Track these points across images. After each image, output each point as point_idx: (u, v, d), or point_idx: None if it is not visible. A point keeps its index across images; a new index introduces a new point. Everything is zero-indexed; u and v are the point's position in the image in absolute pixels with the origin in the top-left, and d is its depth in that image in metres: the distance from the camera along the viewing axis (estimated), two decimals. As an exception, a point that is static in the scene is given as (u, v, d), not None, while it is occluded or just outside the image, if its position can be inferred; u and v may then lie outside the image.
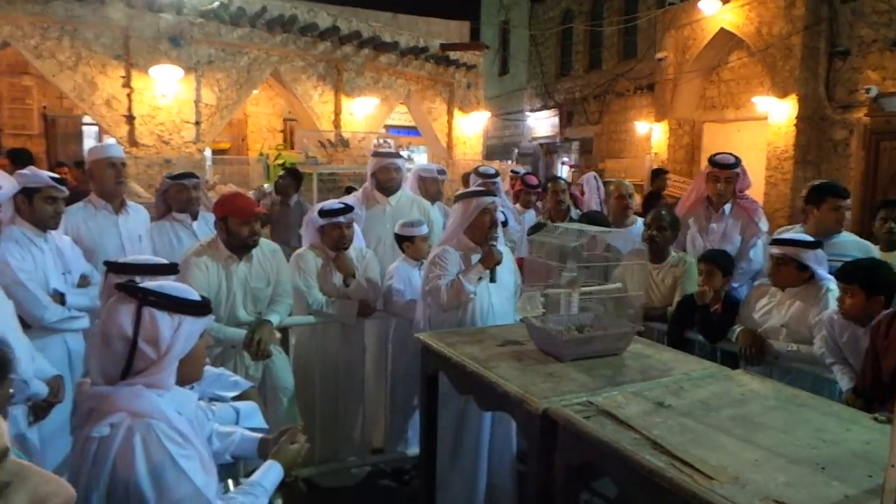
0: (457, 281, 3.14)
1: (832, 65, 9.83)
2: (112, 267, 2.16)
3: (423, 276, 3.34)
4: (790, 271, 3.07)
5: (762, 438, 1.84)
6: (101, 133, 12.34)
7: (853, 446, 1.82)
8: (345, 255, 3.63)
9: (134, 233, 3.74)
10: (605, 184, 5.22)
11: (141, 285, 1.60)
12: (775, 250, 3.12)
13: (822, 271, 3.07)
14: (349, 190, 6.12)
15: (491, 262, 3.19)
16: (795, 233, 3.42)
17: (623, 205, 4.81)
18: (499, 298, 3.29)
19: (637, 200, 13.04)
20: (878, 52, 9.17)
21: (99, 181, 3.59)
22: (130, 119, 8.65)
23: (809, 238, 3.15)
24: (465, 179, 6.20)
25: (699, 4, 11.38)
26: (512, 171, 6.39)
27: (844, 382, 2.73)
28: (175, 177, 4.03)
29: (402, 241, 3.92)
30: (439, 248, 3.31)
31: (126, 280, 1.68)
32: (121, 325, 1.55)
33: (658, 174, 8.83)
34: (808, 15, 9.68)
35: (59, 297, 3.04)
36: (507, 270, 3.38)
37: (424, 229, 3.95)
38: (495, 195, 3.58)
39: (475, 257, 3.25)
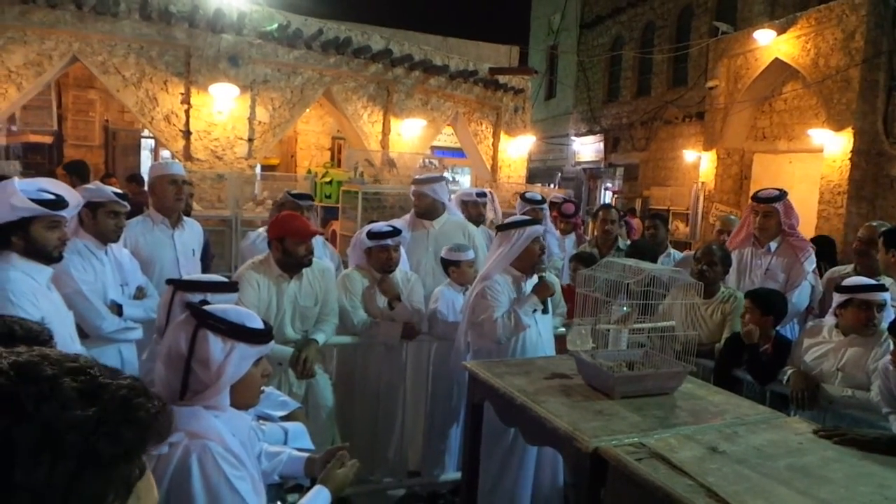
0: (514, 314, 3.14)
1: (891, 99, 9.56)
2: (177, 285, 2.23)
3: (471, 306, 3.33)
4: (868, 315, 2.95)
5: (822, 492, 1.78)
6: (158, 146, 12.79)
7: (919, 505, 1.74)
8: (390, 279, 3.66)
9: (188, 247, 3.84)
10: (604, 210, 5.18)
11: (205, 308, 1.64)
12: (868, 296, 2.97)
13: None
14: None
15: (546, 293, 3.19)
16: (853, 276, 3.32)
17: (604, 229, 4.97)
18: (545, 328, 3.27)
19: (682, 229, 12.82)
20: (941, 86, 8.89)
21: (160, 197, 3.70)
22: (187, 134, 8.94)
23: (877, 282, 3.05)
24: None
25: (754, 34, 11.23)
26: (552, 198, 6.36)
27: (901, 432, 2.62)
28: (295, 196, 4.26)
29: (448, 265, 3.92)
30: (487, 279, 3.29)
31: (199, 301, 1.73)
32: (179, 343, 1.60)
33: None
34: (868, 47, 9.45)
35: (117, 309, 3.13)
36: (552, 300, 3.37)
37: (471, 254, 3.95)
38: (541, 222, 3.58)
39: (524, 285, 3.24)
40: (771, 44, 11.03)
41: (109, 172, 10.50)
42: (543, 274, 3.23)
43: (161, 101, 8.79)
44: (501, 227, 3.39)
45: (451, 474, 3.83)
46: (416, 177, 4.73)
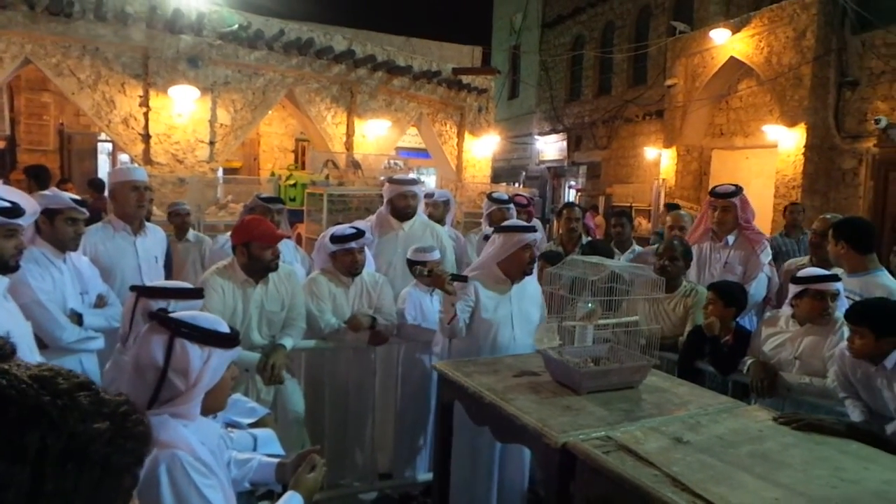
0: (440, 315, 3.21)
1: (841, 95, 9.89)
2: (140, 291, 2.19)
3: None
4: (822, 305, 3.05)
5: (781, 476, 1.84)
6: (116, 150, 12.49)
7: (872, 486, 1.82)
8: (357, 317, 3.60)
9: (151, 254, 3.77)
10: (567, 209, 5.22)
11: (173, 316, 1.62)
12: (822, 287, 3.06)
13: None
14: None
15: (439, 282, 3.16)
16: (809, 267, 3.43)
17: (569, 227, 5.01)
18: (521, 332, 3.26)
19: (645, 225, 13.02)
20: (887, 83, 9.22)
21: (121, 203, 3.63)
22: (146, 138, 8.76)
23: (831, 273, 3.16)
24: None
25: (710, 33, 11.50)
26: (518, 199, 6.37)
27: (856, 416, 2.72)
28: (265, 199, 4.23)
29: (414, 266, 3.92)
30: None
31: (159, 309, 1.71)
32: (153, 354, 1.58)
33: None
34: (818, 46, 9.76)
35: (77, 318, 3.06)
36: (534, 304, 3.38)
37: (437, 255, 3.96)
38: (537, 230, 3.58)
39: (503, 288, 3.26)
40: (726, 43, 11.30)
41: (66, 177, 10.22)
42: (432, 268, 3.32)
43: (119, 104, 8.60)
44: (499, 229, 3.39)
45: (424, 475, 3.84)
46: (401, 177, 4.74)
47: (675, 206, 8.96)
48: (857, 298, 3.07)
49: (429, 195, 5.10)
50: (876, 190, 9.41)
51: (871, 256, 3.45)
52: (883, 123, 9.02)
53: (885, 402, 2.66)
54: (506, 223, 3.60)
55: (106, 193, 4.15)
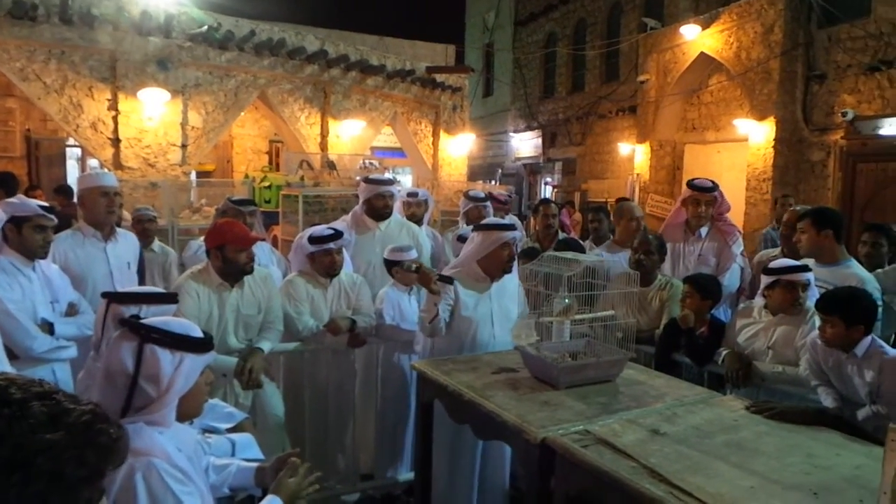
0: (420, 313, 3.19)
1: (809, 88, 10.07)
2: (111, 297, 2.15)
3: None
4: (793, 295, 3.11)
5: (756, 465, 1.87)
6: (85, 156, 12.27)
7: (843, 471, 1.85)
8: (336, 321, 3.58)
9: (123, 260, 3.71)
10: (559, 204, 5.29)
11: (144, 321, 1.60)
12: (793, 277, 3.11)
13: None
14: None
15: (426, 280, 3.16)
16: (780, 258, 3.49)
17: (546, 223, 5.08)
18: (501, 329, 3.26)
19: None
20: (853, 76, 9.41)
21: (91, 210, 3.56)
22: (116, 142, 8.62)
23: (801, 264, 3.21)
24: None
25: (680, 29, 11.64)
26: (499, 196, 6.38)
27: (828, 403, 2.78)
28: (236, 202, 4.14)
29: (391, 266, 3.92)
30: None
31: (130, 315, 1.68)
32: (122, 361, 1.55)
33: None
34: (786, 40, 9.93)
35: (48, 327, 3.01)
36: (512, 301, 3.39)
37: (414, 254, 3.96)
38: (516, 228, 3.59)
39: (482, 287, 3.27)
40: (696, 38, 11.45)
41: (34, 184, 10.00)
42: (420, 266, 3.33)
43: (86, 108, 8.44)
44: (478, 227, 3.39)
45: (406, 475, 3.84)
46: (377, 177, 4.71)
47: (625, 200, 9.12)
48: (830, 288, 3.13)
49: (412, 194, 5.09)
50: (844, 181, 9.61)
51: (843, 247, 3.53)
52: (850, 116, 9.21)
53: (856, 388, 2.72)
54: (485, 221, 3.61)
55: (75, 199, 4.05)
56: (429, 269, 3.29)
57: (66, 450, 0.75)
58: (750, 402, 2.49)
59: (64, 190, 7.97)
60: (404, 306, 3.84)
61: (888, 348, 2.71)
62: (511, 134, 19.69)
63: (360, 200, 4.48)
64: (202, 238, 4.21)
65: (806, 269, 3.14)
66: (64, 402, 0.80)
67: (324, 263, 3.62)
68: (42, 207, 3.09)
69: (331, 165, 10.36)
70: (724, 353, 3.25)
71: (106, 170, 8.25)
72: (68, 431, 0.76)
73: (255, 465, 2.06)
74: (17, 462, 0.72)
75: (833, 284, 3.26)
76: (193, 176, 10.36)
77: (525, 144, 19.22)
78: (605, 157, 15.52)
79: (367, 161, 11.46)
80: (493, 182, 18.34)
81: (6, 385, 0.77)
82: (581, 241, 5.01)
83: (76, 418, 0.78)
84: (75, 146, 12.06)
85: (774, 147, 10.09)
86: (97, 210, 3.55)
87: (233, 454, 2.17)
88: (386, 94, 12.00)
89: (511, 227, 3.37)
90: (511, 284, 3.38)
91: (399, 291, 3.90)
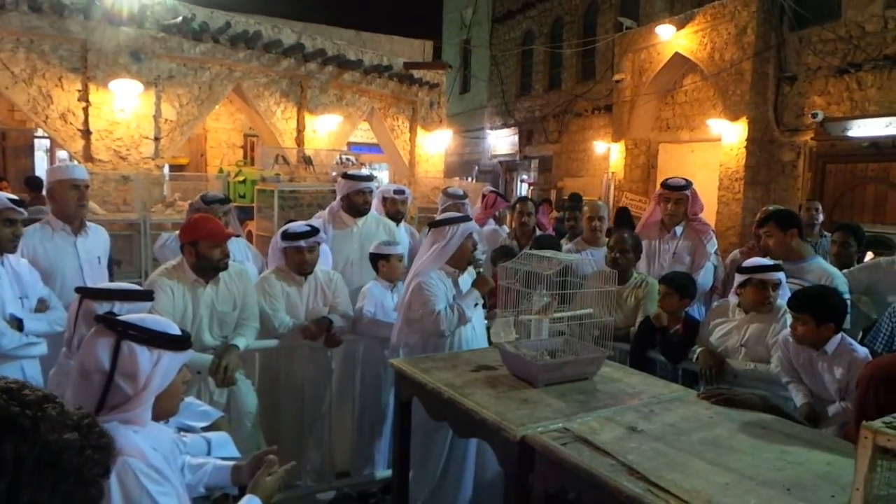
0: (458, 307, 3.16)
1: (780, 90, 10.25)
2: (85, 293, 2.11)
3: (406, 302, 3.32)
4: (765, 294, 3.16)
5: (731, 461, 1.90)
6: (54, 147, 12.00)
7: (816, 467, 1.89)
8: (311, 328, 3.53)
9: (93, 254, 3.64)
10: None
11: (121, 318, 1.57)
12: (765, 276, 3.15)
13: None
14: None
15: (485, 286, 3.23)
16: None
17: (521, 221, 5.07)
18: (478, 323, 3.32)
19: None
20: (823, 78, 9.60)
21: (60, 203, 3.48)
22: (86, 134, 8.44)
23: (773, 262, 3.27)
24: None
25: (655, 29, 11.75)
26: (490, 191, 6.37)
27: (799, 399, 2.85)
28: (208, 201, 4.04)
29: (378, 260, 3.91)
30: (420, 275, 3.28)
31: (106, 312, 1.65)
32: (98, 358, 1.52)
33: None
34: (758, 42, 10.09)
35: (17, 323, 2.94)
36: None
37: (400, 248, 3.96)
38: (471, 218, 3.62)
39: (461, 281, 3.28)
40: (671, 38, 11.57)
41: (1, 176, 9.76)
42: (481, 269, 3.30)
43: (56, 99, 8.25)
44: (434, 224, 3.39)
45: (382, 472, 3.83)
46: (356, 172, 4.68)
47: (578, 198, 9.20)
48: (804, 285, 3.19)
49: (399, 191, 5.07)
50: (814, 181, 9.81)
51: (808, 244, 3.63)
52: (819, 117, 9.40)
53: (826, 385, 2.79)
54: (441, 217, 3.60)
55: (44, 192, 3.95)
56: (484, 275, 3.35)
57: (83, 449, 0.76)
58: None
59: (32, 182, 7.80)
60: (387, 302, 3.82)
61: (858, 346, 2.78)
62: (488, 131, 19.71)
63: (338, 196, 4.45)
64: (173, 233, 4.15)
65: (778, 268, 3.20)
66: (63, 404, 0.81)
67: (294, 261, 3.59)
68: (11, 200, 3.01)
69: (307, 160, 10.27)
70: (699, 350, 3.30)
71: (76, 162, 8.10)
72: (79, 432, 0.78)
73: (231, 463, 2.04)
74: (47, 462, 0.74)
75: (804, 280, 3.33)
76: (167, 170, 10.20)
77: (502, 142, 19.26)
78: (580, 155, 15.63)
79: (343, 156, 11.38)
80: (469, 179, 18.36)
81: (19, 387, 0.79)
82: (557, 239, 5.05)
83: (79, 420, 0.80)
84: (44, 137, 11.79)
85: (746, 147, 10.26)
86: (67, 203, 3.48)
87: (209, 453, 2.15)
88: (363, 89, 11.93)
89: (469, 218, 3.45)
90: (468, 277, 3.40)
91: (382, 287, 3.87)
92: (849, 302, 3.24)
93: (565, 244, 4.92)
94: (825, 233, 5.30)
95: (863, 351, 2.75)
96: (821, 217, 5.61)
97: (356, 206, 4.34)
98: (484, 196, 5.70)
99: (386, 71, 11.96)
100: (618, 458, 1.87)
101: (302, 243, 3.54)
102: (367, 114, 12.41)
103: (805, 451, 2.00)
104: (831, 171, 9.69)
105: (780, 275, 3.18)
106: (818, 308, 2.75)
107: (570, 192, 14.57)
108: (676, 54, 11.61)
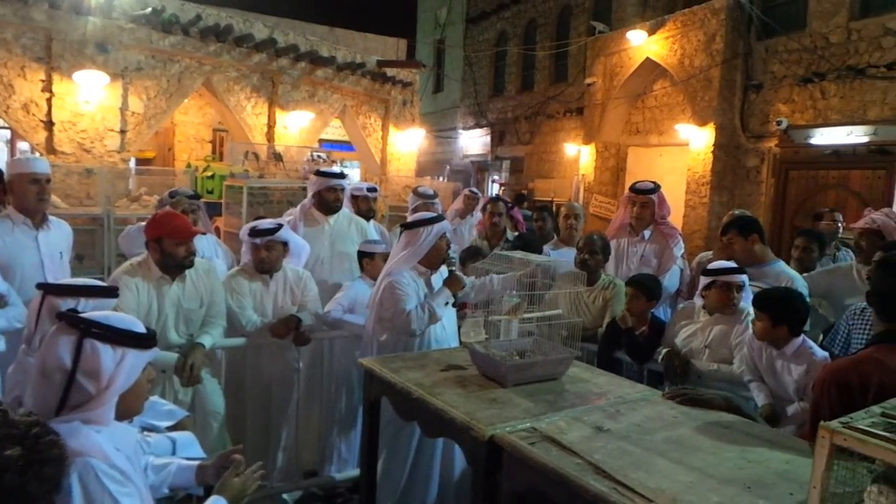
0: (429, 306, 3.16)
1: (747, 97, 10.47)
2: (47, 289, 2.06)
3: (378, 301, 3.31)
4: (728, 296, 3.22)
5: (694, 460, 1.94)
6: (15, 138, 11.67)
7: (775, 466, 1.94)
8: (279, 327, 3.49)
9: (55, 249, 3.55)
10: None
11: (83, 315, 1.53)
12: (729, 278, 3.22)
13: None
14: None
15: (457, 286, 3.23)
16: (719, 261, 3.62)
17: (492, 221, 5.10)
18: (449, 322, 3.33)
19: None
20: (788, 86, 9.83)
21: (20, 196, 3.38)
22: (49, 125, 8.22)
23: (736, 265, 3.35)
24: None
25: (627, 34, 11.90)
26: (470, 191, 6.37)
27: (761, 399, 2.93)
28: (175, 197, 4.02)
29: (363, 257, 3.91)
30: (393, 275, 3.27)
31: (68, 309, 1.61)
32: (59, 356, 1.48)
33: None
34: (726, 50, 10.29)
35: (-26, 319, 2.86)
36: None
37: (385, 246, 3.95)
38: (444, 217, 3.62)
39: (433, 280, 3.28)
40: (643, 44, 11.73)
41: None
42: (454, 268, 3.30)
43: (18, 89, 8.02)
44: (408, 226, 3.37)
45: (349, 471, 3.81)
46: (328, 169, 4.65)
47: (522, 198, 9.22)
48: (765, 287, 3.27)
49: (371, 189, 5.04)
50: (777, 187, 10.04)
51: (768, 248, 3.72)
52: (784, 125, 9.63)
53: (786, 386, 2.86)
54: (416, 216, 3.59)
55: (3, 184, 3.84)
56: (460, 275, 3.34)
57: (28, 465, 0.71)
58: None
59: (-8, 175, 7.58)
60: (367, 301, 3.80)
61: (817, 349, 2.86)
62: (460, 131, 19.74)
63: (310, 193, 4.41)
64: (136, 226, 4.08)
65: (741, 270, 3.27)
66: (8, 411, 0.75)
67: (255, 258, 3.56)
68: (-32, 193, 2.93)
69: (277, 157, 10.16)
70: (664, 351, 3.36)
71: (37, 154, 7.89)
72: (24, 446, 0.71)
73: (195, 463, 2.01)
74: None
75: (765, 283, 3.42)
76: (133, 163, 9.99)
77: (474, 142, 19.30)
78: (552, 156, 15.75)
79: (315, 154, 11.28)
80: (441, 178, 18.37)
81: None
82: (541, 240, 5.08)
83: (26, 430, 0.74)
84: (4, 128, 11.46)
85: (713, 152, 10.46)
86: (27, 198, 3.38)
87: (173, 453, 2.11)
88: (336, 86, 11.84)
89: (442, 218, 3.46)
90: (440, 277, 3.41)
91: (367, 284, 3.84)
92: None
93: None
94: (841, 245, 4.80)
95: (821, 354, 2.83)
96: (841, 227, 5.18)
97: (328, 203, 4.30)
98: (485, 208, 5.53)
99: (359, 68, 11.90)
100: (584, 457, 1.89)
101: (257, 241, 3.51)
102: (339, 111, 12.33)
103: (765, 451, 2.05)
104: (794, 178, 9.93)
105: (744, 277, 3.25)
106: (775, 309, 2.83)
107: (541, 193, 14.71)
108: (647, 59, 11.78)
